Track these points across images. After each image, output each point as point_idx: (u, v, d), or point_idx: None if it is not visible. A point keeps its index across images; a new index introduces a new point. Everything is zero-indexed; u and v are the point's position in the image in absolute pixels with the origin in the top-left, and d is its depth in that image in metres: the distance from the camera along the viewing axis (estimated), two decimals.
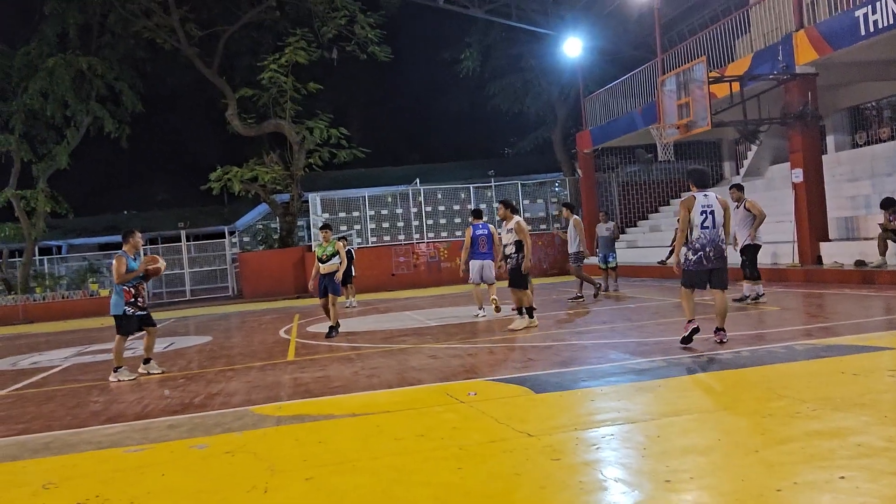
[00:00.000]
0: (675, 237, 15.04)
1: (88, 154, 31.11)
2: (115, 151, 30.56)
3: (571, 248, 14.55)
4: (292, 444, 5.25)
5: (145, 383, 8.68)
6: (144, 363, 9.48)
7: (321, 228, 12.62)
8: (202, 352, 11.53)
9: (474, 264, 12.59)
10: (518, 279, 10.66)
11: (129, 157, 34.47)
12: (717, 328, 8.07)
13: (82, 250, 34.11)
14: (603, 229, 16.16)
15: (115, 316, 9.19)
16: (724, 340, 7.93)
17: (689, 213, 7.80)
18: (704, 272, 7.93)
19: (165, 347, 12.56)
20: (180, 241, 29.56)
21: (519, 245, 10.62)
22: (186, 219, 32.75)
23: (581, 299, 14.30)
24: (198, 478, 4.64)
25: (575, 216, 14.77)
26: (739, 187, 11.68)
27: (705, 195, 7.88)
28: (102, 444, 5.76)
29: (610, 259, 16.01)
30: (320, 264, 12.00)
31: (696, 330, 7.93)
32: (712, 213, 7.82)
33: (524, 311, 10.76)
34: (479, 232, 12.56)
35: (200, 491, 4.37)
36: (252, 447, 5.21)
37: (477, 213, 13.10)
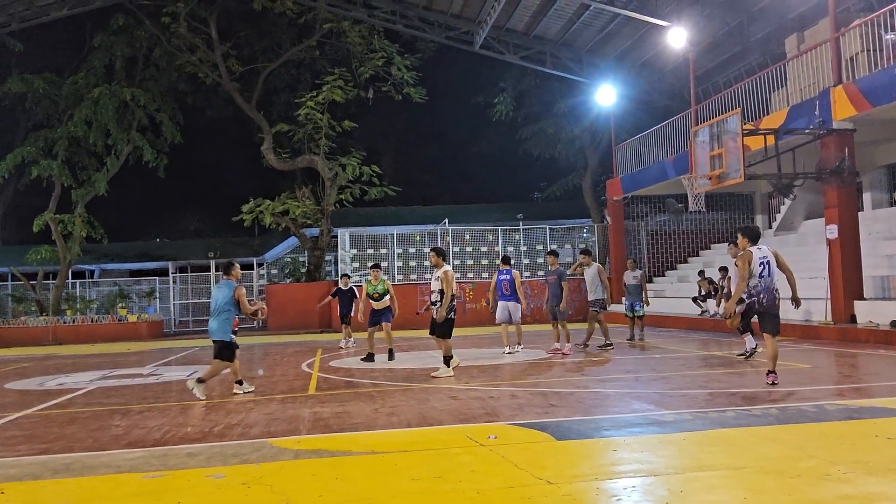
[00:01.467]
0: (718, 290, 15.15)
1: (125, 181, 31.68)
2: (152, 180, 31.11)
3: (592, 296, 14.33)
4: (309, 479, 5.20)
5: (166, 410, 8.68)
6: (238, 384, 9.93)
7: (372, 268, 13.91)
8: (224, 382, 11.52)
9: (500, 306, 13.58)
10: (439, 327, 10.64)
11: (164, 185, 35.01)
12: (768, 371, 8.69)
13: (114, 275, 34.51)
14: (630, 277, 16.02)
15: (221, 341, 9.74)
16: (776, 382, 8.53)
17: (749, 265, 8.56)
18: (752, 315, 8.80)
19: (188, 375, 12.58)
20: (209, 271, 29.80)
21: (442, 294, 10.57)
22: (217, 248, 33.03)
23: (610, 346, 14.10)
24: None
25: (597, 263, 14.66)
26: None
27: (759, 248, 8.69)
28: (122, 469, 5.76)
29: (637, 307, 15.84)
30: (371, 301, 13.28)
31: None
32: (768, 263, 8.59)
33: (445, 359, 10.80)
34: (503, 277, 13.52)
35: None
36: (268, 480, 5.17)
37: (505, 260, 14.21)
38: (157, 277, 30.54)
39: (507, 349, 13.78)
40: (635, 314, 15.86)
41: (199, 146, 36.16)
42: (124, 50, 27.68)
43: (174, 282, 30.08)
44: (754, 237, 8.84)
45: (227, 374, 10.49)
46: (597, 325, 14.41)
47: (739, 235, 8.96)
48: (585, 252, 14.89)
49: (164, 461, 5.95)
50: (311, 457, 5.92)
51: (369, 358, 13.21)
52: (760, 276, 8.52)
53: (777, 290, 8.60)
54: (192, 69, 27.81)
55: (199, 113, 32.05)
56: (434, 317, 10.67)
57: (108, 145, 27.71)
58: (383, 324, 13.27)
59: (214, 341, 9.86)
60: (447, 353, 10.79)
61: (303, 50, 28.70)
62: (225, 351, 9.75)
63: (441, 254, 10.99)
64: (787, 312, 16.41)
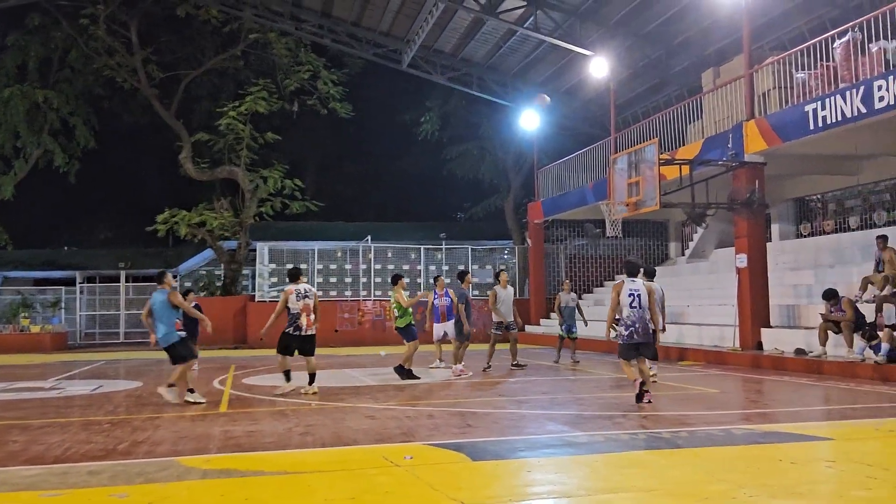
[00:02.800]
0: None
1: (34, 186, 30.40)
2: (62, 186, 29.96)
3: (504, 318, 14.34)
4: (217, 500, 5.03)
5: (67, 426, 8.29)
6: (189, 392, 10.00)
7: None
8: (131, 397, 11.12)
9: (437, 326, 14.18)
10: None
11: (75, 192, 33.74)
12: (645, 391, 9.23)
13: (18, 283, 32.95)
14: (568, 299, 16.17)
15: (168, 347, 10.02)
16: (651, 401, 9.14)
17: (619, 296, 9.22)
18: (633, 345, 9.22)
19: (93, 390, 12.10)
20: (119, 282, 28.81)
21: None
22: (128, 259, 31.98)
23: (523, 367, 14.43)
24: None
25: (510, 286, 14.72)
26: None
27: (633, 281, 9.25)
28: (19, 486, 5.46)
29: (574, 330, 15.96)
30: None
31: (643, 384, 9.18)
32: (639, 296, 9.13)
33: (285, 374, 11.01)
34: (440, 302, 14.11)
35: None
36: (175, 500, 4.98)
37: (437, 281, 14.60)
38: (63, 287, 29.29)
39: (436, 363, 14.77)
40: (571, 336, 15.94)
41: (113, 152, 34.99)
42: (39, 50, 26.65)
43: (81, 292, 28.91)
44: (631, 271, 9.47)
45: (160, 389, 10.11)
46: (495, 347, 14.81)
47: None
48: (500, 272, 15.30)
49: (64, 479, 5.67)
50: (221, 476, 5.73)
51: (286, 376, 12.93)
52: (631, 307, 9.10)
53: (649, 320, 9.18)
54: (109, 73, 26.95)
55: (115, 118, 31.03)
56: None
57: (16, 148, 26.57)
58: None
59: (164, 349, 10.04)
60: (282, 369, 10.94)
61: (226, 59, 28.19)
62: (174, 353, 9.91)
63: (292, 274, 11.18)
64: (704, 339, 16.94)
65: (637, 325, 9.10)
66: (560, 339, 16.32)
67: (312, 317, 10.76)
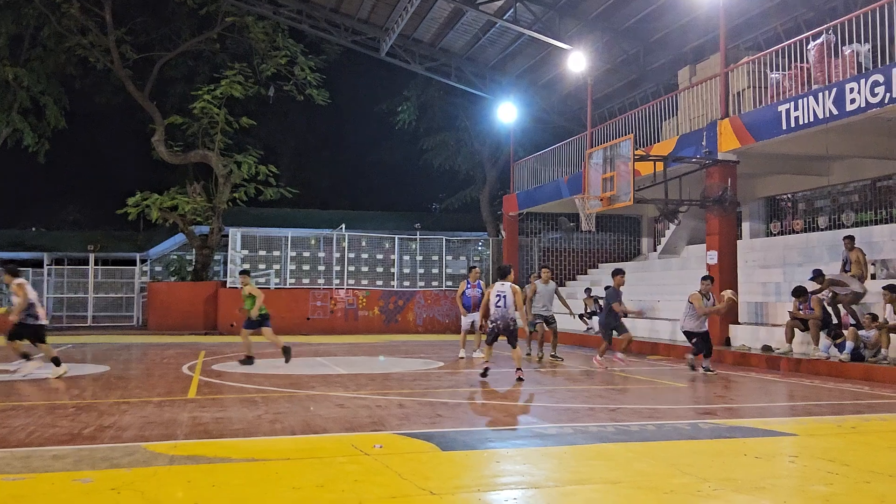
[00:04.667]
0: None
1: (2, 166, 29.89)
2: (31, 166, 29.46)
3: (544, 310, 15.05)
4: (184, 486, 5.00)
5: (31, 409, 8.18)
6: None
7: (240, 273, 14.36)
8: (97, 381, 11.00)
9: (469, 316, 15.19)
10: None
11: (44, 172, 33.21)
12: (517, 368, 11.22)
13: None
14: (547, 290, 15.56)
15: None
16: (523, 378, 11.00)
17: (489, 297, 11.41)
18: (496, 336, 11.39)
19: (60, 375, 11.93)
20: (87, 265, 28.45)
21: None
22: (97, 242, 31.53)
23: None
24: None
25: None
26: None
27: (502, 284, 11.29)
28: None
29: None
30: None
31: (488, 366, 11.49)
32: (504, 297, 11.12)
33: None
34: (474, 292, 15.15)
35: None
36: (140, 485, 4.94)
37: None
38: (30, 269, 28.85)
39: (462, 352, 15.14)
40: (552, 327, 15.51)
41: (85, 133, 34.53)
42: (9, 27, 26.03)
43: (49, 274, 28.50)
44: (501, 274, 11.72)
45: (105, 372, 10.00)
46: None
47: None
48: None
49: (27, 463, 5.60)
50: (188, 463, 5.69)
51: (248, 361, 13.19)
52: (496, 306, 11.12)
53: (513, 318, 11.17)
54: (82, 52, 26.45)
55: (87, 99, 30.52)
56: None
57: None
58: (263, 329, 13.36)
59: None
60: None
61: (202, 42, 27.81)
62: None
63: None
64: (674, 335, 17.11)
65: (499, 322, 11.13)
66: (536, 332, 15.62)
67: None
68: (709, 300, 12.77)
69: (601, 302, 19.65)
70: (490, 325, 11.33)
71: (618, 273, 13.60)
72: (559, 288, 16.41)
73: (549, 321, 15.04)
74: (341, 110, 37.20)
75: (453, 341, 20.27)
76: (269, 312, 13.48)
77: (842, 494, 4.87)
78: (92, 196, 40.03)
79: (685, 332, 12.85)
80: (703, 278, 13.13)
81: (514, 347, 11.24)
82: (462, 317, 15.24)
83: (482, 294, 14.48)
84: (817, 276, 13.24)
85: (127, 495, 4.70)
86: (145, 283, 28.44)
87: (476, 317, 14.75)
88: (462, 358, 14.79)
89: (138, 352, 16.70)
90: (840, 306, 13.18)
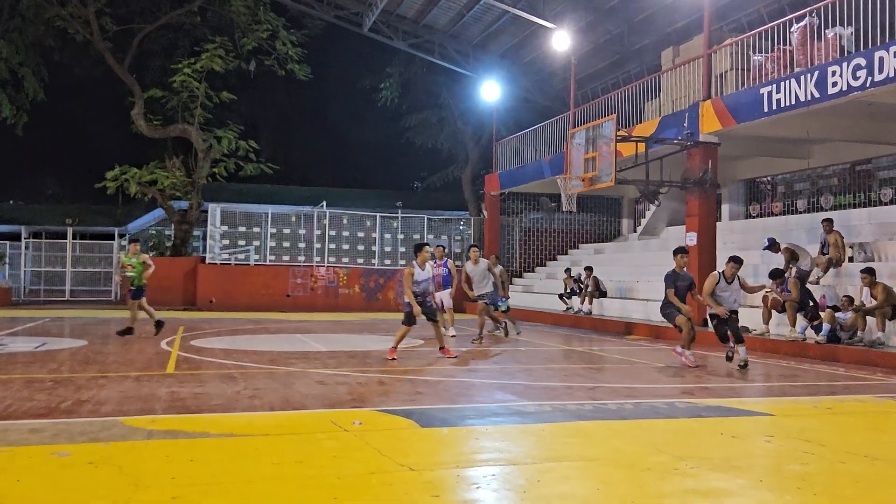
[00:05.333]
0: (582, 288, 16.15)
1: None
2: (9, 138, 29.00)
3: (486, 289, 14.26)
4: (162, 460, 4.98)
5: (8, 382, 8.10)
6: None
7: (130, 241, 15.66)
8: (75, 356, 10.93)
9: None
10: None
11: (22, 145, 32.70)
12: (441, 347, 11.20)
13: None
14: (477, 271, 15.05)
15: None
16: (395, 358, 10.61)
17: (413, 277, 10.88)
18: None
19: (36, 347, 11.85)
20: (65, 239, 28.14)
21: None
22: (75, 216, 31.14)
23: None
24: (55, 487, 4.33)
25: (485, 259, 14.82)
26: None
27: (438, 264, 11.54)
28: None
29: (500, 302, 15.41)
30: (127, 274, 14.09)
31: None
32: (429, 279, 11.04)
33: None
34: (438, 272, 14.62)
35: (57, 501, 4.08)
36: (118, 460, 4.91)
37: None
38: (7, 242, 28.51)
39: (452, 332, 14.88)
40: (500, 308, 15.57)
41: (63, 105, 33.98)
42: None
43: (27, 248, 28.18)
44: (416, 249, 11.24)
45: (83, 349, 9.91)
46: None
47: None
48: (474, 246, 15.62)
49: (3, 437, 5.56)
50: (166, 437, 5.67)
51: (127, 331, 13.67)
52: (422, 281, 10.94)
53: (431, 293, 11.35)
54: (61, 24, 26.00)
55: (66, 71, 30.00)
56: None
57: None
58: (140, 301, 13.98)
59: None
60: None
61: (183, 14, 27.38)
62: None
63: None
64: (651, 315, 17.22)
65: (421, 297, 10.90)
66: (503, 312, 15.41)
67: None
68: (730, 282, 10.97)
69: (583, 282, 19.79)
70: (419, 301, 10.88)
71: (678, 252, 11.44)
72: (501, 267, 15.96)
73: (486, 299, 14.30)
74: (323, 86, 36.89)
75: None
76: (146, 284, 14.13)
77: (817, 474, 4.94)
78: (70, 169, 39.53)
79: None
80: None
81: (434, 321, 11.23)
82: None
83: (448, 273, 14.71)
84: (772, 244, 13.41)
85: (105, 469, 4.68)
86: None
87: (444, 295, 14.60)
88: (454, 336, 14.55)
89: (116, 326, 16.55)
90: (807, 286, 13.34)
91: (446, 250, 15.63)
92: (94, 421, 6.19)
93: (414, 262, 11.01)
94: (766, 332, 13.46)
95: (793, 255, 13.78)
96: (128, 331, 13.63)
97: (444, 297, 14.66)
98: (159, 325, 14.00)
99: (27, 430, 5.78)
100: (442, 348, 11.24)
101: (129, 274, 13.90)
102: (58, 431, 5.77)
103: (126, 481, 4.42)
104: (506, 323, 15.51)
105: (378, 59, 31.59)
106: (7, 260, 27.68)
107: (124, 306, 24.07)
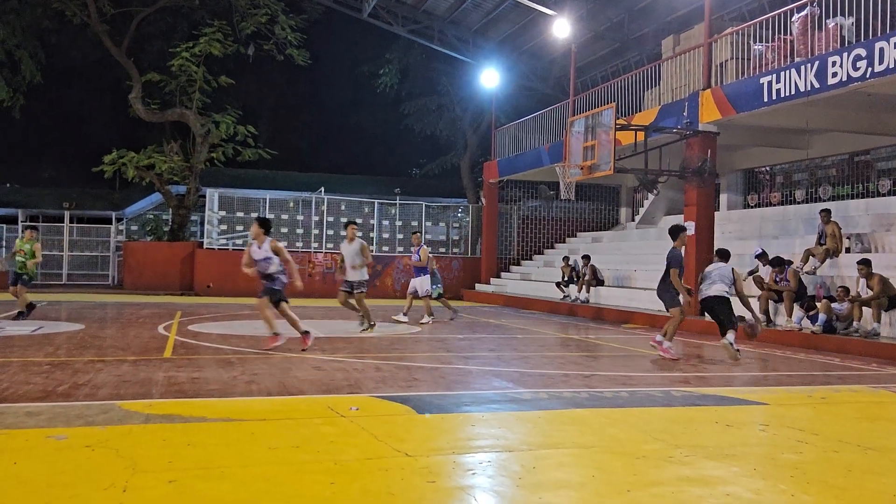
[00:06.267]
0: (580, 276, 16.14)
1: None
2: (6, 121, 28.88)
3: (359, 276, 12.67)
4: (159, 444, 4.99)
5: (5, 366, 8.11)
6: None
7: (28, 228, 15.29)
8: (72, 339, 10.93)
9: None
10: None
11: (19, 128, 32.57)
12: (275, 333, 10.02)
13: None
14: (350, 250, 14.83)
15: None
16: (277, 344, 9.89)
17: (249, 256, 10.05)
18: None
19: (33, 331, 11.85)
20: (63, 223, 28.10)
21: None
22: (72, 199, 31.06)
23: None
24: (52, 470, 4.34)
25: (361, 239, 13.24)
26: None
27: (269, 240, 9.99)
28: None
29: (435, 287, 15.60)
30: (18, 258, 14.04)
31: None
32: (270, 260, 9.90)
33: None
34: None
35: (54, 484, 4.08)
36: (115, 443, 4.92)
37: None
38: (4, 225, 28.46)
39: (402, 316, 15.11)
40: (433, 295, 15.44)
41: (60, 89, 33.84)
42: None
43: (23, 231, 28.13)
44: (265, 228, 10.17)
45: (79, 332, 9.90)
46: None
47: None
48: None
49: (0, 419, 5.56)
50: (163, 422, 5.69)
51: (22, 315, 13.59)
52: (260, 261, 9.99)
53: (278, 276, 9.95)
54: (58, 6, 25.82)
55: (63, 53, 29.86)
56: None
57: None
58: (18, 287, 13.76)
59: None
60: None
61: None
62: None
63: None
64: (648, 303, 17.24)
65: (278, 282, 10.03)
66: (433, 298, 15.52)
67: None
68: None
69: (580, 271, 19.81)
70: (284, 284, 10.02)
71: (680, 230, 10.88)
72: (425, 247, 15.71)
73: (355, 287, 12.66)
74: (322, 72, 36.74)
75: (432, 306, 20.36)
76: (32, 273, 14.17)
77: (811, 463, 4.97)
78: (67, 153, 39.37)
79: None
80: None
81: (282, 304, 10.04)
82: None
83: (419, 258, 15.13)
84: (777, 264, 13.38)
85: (102, 453, 4.69)
86: (121, 242, 28.20)
87: (418, 281, 15.06)
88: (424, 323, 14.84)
89: (113, 311, 16.59)
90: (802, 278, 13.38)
91: (420, 236, 15.68)
92: (91, 405, 6.20)
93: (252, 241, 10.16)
94: (762, 321, 13.49)
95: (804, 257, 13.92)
96: (21, 315, 13.55)
97: (418, 283, 15.09)
98: (21, 315, 13.56)
99: (24, 414, 5.79)
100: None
101: (18, 259, 13.97)
102: (55, 415, 5.78)
103: (123, 465, 4.43)
104: (412, 308, 15.47)
105: (377, 45, 31.50)
106: (3, 243, 27.65)
107: (122, 290, 24.20)
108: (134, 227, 31.43)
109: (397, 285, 25.37)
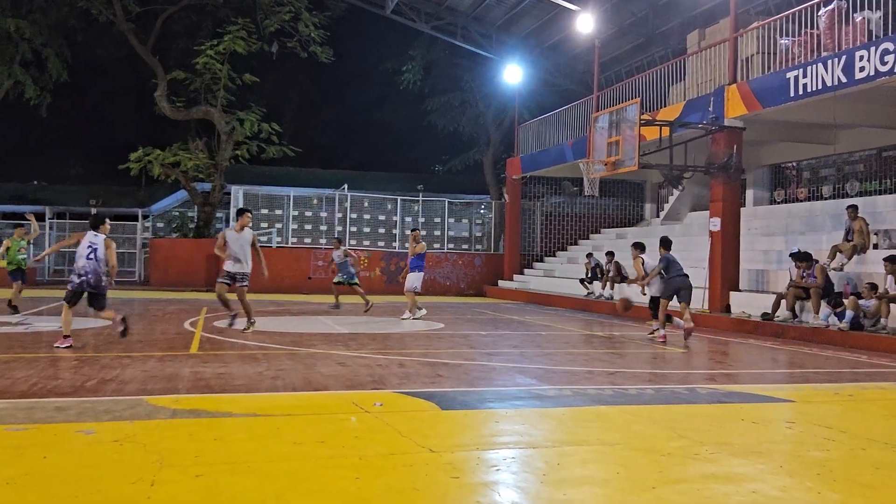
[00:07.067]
0: (604, 273, 16.07)
1: (3, 118, 29.70)
2: (33, 119, 29.27)
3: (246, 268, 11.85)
4: (185, 439, 5.05)
5: (34, 361, 8.23)
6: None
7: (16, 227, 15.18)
8: (99, 335, 11.07)
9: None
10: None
11: (46, 126, 32.97)
12: (64, 336, 9.50)
13: None
14: (337, 256, 16.20)
15: None
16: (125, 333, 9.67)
17: (79, 247, 9.58)
18: (81, 293, 9.49)
19: (61, 327, 11.98)
20: (89, 220, 28.45)
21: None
22: (99, 196, 31.46)
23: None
24: (81, 464, 4.40)
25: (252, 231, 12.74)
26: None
27: (95, 235, 9.64)
28: None
29: (354, 278, 16.24)
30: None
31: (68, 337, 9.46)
32: (95, 249, 9.53)
33: None
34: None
35: (82, 478, 4.13)
36: (142, 438, 4.98)
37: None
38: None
39: (407, 314, 14.96)
40: (351, 283, 16.08)
41: (86, 87, 34.21)
42: None
43: (51, 228, 28.55)
44: (93, 225, 9.95)
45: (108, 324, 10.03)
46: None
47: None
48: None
49: (30, 414, 5.64)
50: (189, 416, 5.75)
51: (14, 309, 13.33)
52: (87, 259, 9.50)
53: (104, 273, 9.53)
54: (84, 4, 26.13)
55: (89, 52, 30.17)
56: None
57: None
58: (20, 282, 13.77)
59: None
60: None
61: None
62: None
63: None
64: (675, 303, 17.11)
65: (89, 276, 9.46)
66: (335, 284, 16.34)
67: None
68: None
69: (604, 267, 19.72)
70: (77, 282, 9.43)
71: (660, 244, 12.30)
72: (344, 248, 16.56)
73: (238, 279, 11.74)
74: (345, 69, 36.81)
75: (454, 303, 20.43)
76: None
77: (838, 460, 4.92)
78: (94, 150, 39.79)
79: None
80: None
81: (101, 310, 9.67)
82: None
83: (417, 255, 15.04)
84: (804, 258, 13.22)
85: (129, 448, 4.75)
86: (147, 238, 28.49)
87: (412, 277, 15.03)
88: (405, 318, 14.83)
89: (140, 307, 16.77)
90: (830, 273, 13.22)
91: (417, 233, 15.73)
92: (118, 399, 6.28)
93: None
94: (789, 318, 13.36)
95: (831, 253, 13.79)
96: (14, 308, 13.24)
97: (411, 278, 15.05)
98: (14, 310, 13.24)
99: (53, 409, 5.87)
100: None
101: (19, 257, 14.05)
102: (83, 410, 5.86)
103: (151, 459, 4.49)
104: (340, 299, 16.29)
105: (400, 41, 31.53)
106: (32, 240, 28.00)
107: (149, 287, 24.44)
108: (160, 224, 31.75)
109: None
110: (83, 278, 9.44)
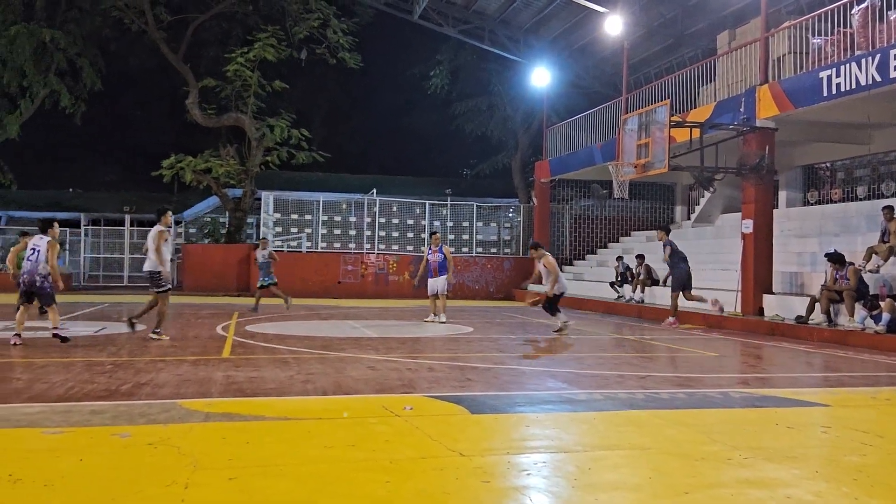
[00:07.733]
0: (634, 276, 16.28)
1: (39, 126, 30.25)
2: (67, 127, 29.80)
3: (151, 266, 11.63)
4: (219, 442, 5.10)
5: (70, 365, 8.37)
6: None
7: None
8: (133, 339, 11.21)
9: (430, 282, 15.27)
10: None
11: (81, 134, 33.57)
12: (54, 328, 10.20)
13: (22, 224, 33.01)
14: (260, 256, 17.18)
15: None
16: (65, 339, 10.13)
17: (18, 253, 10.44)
18: (25, 293, 10.18)
19: (97, 332, 12.20)
20: (123, 226, 28.85)
21: None
22: (132, 203, 31.94)
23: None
24: (116, 466, 4.46)
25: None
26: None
27: (41, 238, 10.12)
28: (20, 423, 5.54)
29: (269, 279, 16.93)
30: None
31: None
32: (38, 251, 10.03)
33: None
34: (434, 258, 15.17)
35: (118, 480, 4.20)
36: (176, 441, 5.04)
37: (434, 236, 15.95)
38: (68, 229, 29.36)
39: (431, 317, 15.18)
40: (264, 286, 16.90)
41: (120, 95, 34.81)
42: None
43: (86, 234, 29.01)
44: (41, 228, 10.35)
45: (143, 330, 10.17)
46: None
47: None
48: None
49: (66, 417, 5.74)
50: (222, 420, 5.80)
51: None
52: (28, 259, 10.09)
53: (44, 274, 9.99)
54: (117, 14, 26.60)
55: (121, 61, 30.71)
56: None
57: (22, 87, 26.34)
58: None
59: None
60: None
61: (235, 4, 27.77)
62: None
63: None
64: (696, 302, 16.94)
65: (25, 276, 10.06)
66: (259, 288, 17.13)
67: None
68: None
69: (634, 270, 19.60)
70: (19, 282, 10.29)
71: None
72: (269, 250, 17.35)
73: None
74: (373, 74, 37.04)
75: (483, 307, 20.44)
76: None
77: (875, 465, 4.83)
78: (127, 158, 40.46)
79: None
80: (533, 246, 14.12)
81: (47, 307, 10.33)
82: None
83: (444, 258, 15.13)
84: (836, 260, 13.02)
85: (163, 451, 4.81)
86: (180, 244, 28.82)
87: (440, 282, 15.07)
88: (428, 321, 15.03)
89: (173, 312, 16.90)
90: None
91: (440, 236, 15.87)
92: (152, 403, 6.36)
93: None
94: (823, 321, 13.16)
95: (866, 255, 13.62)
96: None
97: (440, 282, 15.08)
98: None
99: (88, 412, 5.96)
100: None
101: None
102: (118, 413, 5.94)
103: (184, 462, 4.54)
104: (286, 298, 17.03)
105: (428, 46, 31.63)
106: (67, 247, 28.53)
107: (182, 292, 24.72)
108: (192, 230, 32.12)
109: (448, 286, 25.38)
110: (22, 278, 10.20)
